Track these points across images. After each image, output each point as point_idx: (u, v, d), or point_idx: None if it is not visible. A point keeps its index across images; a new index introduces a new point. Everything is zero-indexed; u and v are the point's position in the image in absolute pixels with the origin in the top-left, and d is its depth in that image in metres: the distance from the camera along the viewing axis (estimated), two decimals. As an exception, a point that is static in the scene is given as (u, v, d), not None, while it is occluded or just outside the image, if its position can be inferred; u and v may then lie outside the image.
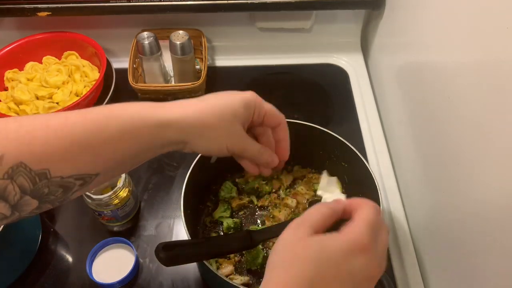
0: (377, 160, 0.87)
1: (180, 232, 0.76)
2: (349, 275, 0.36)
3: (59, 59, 0.97)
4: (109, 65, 0.94)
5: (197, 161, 0.68)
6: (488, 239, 0.52)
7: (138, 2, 0.91)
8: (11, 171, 0.38)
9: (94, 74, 0.94)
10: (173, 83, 0.98)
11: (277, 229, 0.64)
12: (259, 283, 0.69)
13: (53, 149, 0.39)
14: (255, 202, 0.78)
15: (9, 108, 0.88)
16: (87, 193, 0.68)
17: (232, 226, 0.73)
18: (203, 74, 0.92)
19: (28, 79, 0.92)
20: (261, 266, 0.70)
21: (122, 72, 0.93)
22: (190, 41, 0.90)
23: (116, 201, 0.70)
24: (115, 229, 0.76)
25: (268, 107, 0.52)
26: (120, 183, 0.70)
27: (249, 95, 0.49)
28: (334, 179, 0.74)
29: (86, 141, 0.40)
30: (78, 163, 0.41)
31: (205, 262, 0.58)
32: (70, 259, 0.74)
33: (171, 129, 0.44)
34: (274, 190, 0.80)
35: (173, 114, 0.44)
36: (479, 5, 0.54)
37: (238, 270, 0.70)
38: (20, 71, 0.95)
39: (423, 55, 0.73)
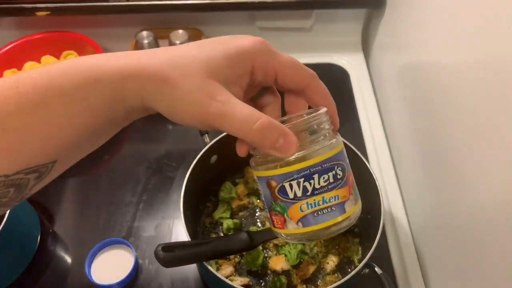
0: (378, 160, 0.86)
1: (180, 233, 0.76)
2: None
3: (58, 58, 0.97)
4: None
5: (197, 161, 0.67)
6: (489, 239, 0.52)
7: (137, 1, 0.91)
8: None
9: (93, 74, 0.93)
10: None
11: (278, 230, 0.64)
12: (259, 284, 0.69)
13: None
14: (255, 203, 0.78)
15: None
16: None
17: (232, 227, 0.73)
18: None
19: (27, 79, 0.92)
20: (261, 267, 0.70)
21: (121, 72, 0.93)
22: (190, 40, 0.89)
23: None
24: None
25: (284, 59, 0.35)
26: None
27: (246, 43, 0.35)
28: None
29: (24, 124, 0.30)
30: (23, 154, 0.30)
31: (205, 263, 0.57)
32: (69, 260, 0.73)
33: (129, 84, 0.31)
34: (274, 191, 0.79)
35: (133, 65, 0.31)
36: (480, 4, 0.53)
37: (238, 271, 0.70)
38: (19, 70, 0.95)
39: (424, 55, 0.72)
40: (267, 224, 0.74)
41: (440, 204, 0.66)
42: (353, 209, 0.35)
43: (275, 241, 0.72)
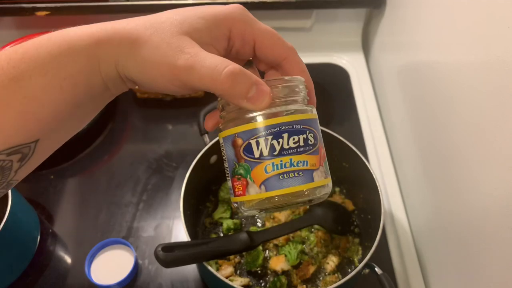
0: (378, 160, 0.86)
1: (180, 233, 0.76)
2: None
3: (58, 58, 0.97)
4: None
5: (197, 161, 0.67)
6: (488, 239, 0.52)
7: (137, 1, 0.91)
8: None
9: (93, 74, 0.93)
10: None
11: (278, 230, 0.64)
12: (259, 284, 0.69)
13: None
14: (255, 203, 0.78)
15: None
16: None
17: (232, 227, 0.73)
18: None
19: (26, 79, 0.92)
20: (261, 267, 0.69)
21: (121, 72, 0.93)
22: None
23: None
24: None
25: (262, 28, 0.34)
26: None
27: (225, 8, 0.33)
28: None
29: (0, 100, 0.28)
30: (1, 133, 0.29)
31: (205, 263, 0.57)
32: (68, 260, 0.73)
33: (102, 49, 0.30)
34: (274, 191, 0.79)
35: (106, 29, 0.31)
36: (480, 4, 0.53)
37: (238, 272, 0.70)
38: (19, 71, 0.95)
39: (424, 55, 0.72)
40: (267, 225, 0.74)
41: (440, 204, 0.66)
42: (322, 181, 0.33)
43: (275, 242, 0.72)
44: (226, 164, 0.35)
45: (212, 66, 0.29)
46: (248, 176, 0.32)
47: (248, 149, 0.32)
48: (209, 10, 0.33)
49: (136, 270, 0.71)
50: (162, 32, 0.31)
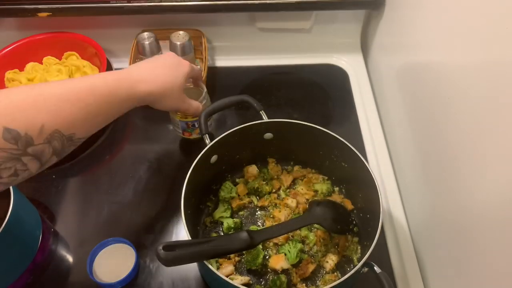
0: (377, 160, 0.87)
1: (181, 232, 0.77)
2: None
3: (60, 59, 0.97)
4: (109, 65, 0.94)
5: (197, 161, 0.68)
6: (487, 239, 0.52)
7: (138, 2, 0.91)
8: (50, 137, 0.49)
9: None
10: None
11: (277, 229, 0.64)
12: (259, 283, 0.70)
13: (76, 117, 0.52)
14: (255, 202, 0.79)
15: (10, 109, 0.88)
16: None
17: (232, 226, 0.74)
18: (204, 74, 0.92)
19: (28, 80, 0.92)
20: (261, 266, 0.70)
21: (122, 73, 0.93)
22: (191, 41, 0.90)
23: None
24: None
25: (195, 72, 0.76)
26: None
27: (186, 70, 0.70)
28: None
29: (97, 111, 0.55)
30: (91, 128, 0.56)
31: (205, 262, 0.58)
32: (70, 259, 0.74)
33: (145, 100, 0.65)
34: (274, 190, 0.80)
35: (147, 89, 0.63)
36: (479, 5, 0.54)
37: (238, 270, 0.71)
38: (21, 71, 0.95)
39: (423, 56, 0.73)
40: (267, 224, 0.75)
41: (438, 203, 0.67)
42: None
43: (275, 240, 0.72)
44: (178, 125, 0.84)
45: (196, 108, 0.76)
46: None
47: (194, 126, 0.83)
48: (183, 74, 0.70)
49: (137, 268, 0.71)
50: (175, 91, 0.69)
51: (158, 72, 0.66)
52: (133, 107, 0.63)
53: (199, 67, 0.80)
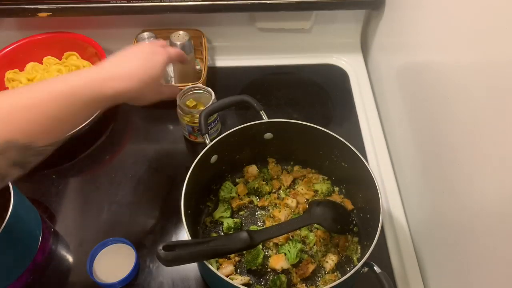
0: (377, 160, 0.87)
1: (181, 232, 0.77)
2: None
3: (60, 59, 0.97)
4: (109, 65, 0.94)
5: (197, 161, 0.68)
6: (487, 239, 0.52)
7: (138, 2, 0.91)
8: (4, 147, 0.46)
9: (94, 75, 0.94)
10: (173, 83, 0.98)
11: (277, 229, 0.64)
12: (259, 283, 0.70)
13: (35, 125, 0.49)
14: (255, 202, 0.79)
15: (10, 109, 0.88)
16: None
17: (232, 226, 0.74)
18: (203, 74, 0.92)
19: (28, 80, 0.92)
20: (261, 266, 0.70)
21: (122, 73, 0.93)
22: (191, 41, 0.90)
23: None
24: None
25: (174, 56, 0.69)
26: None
27: (163, 58, 0.64)
28: None
29: (59, 116, 0.51)
30: (54, 134, 0.51)
31: (205, 262, 0.58)
32: (70, 259, 0.74)
33: (120, 99, 0.58)
34: (274, 190, 0.80)
35: (122, 87, 0.57)
36: (478, 5, 0.54)
37: (238, 270, 0.71)
38: (21, 71, 0.95)
39: (422, 56, 0.73)
40: (267, 224, 0.75)
41: (438, 203, 0.67)
42: None
43: (275, 240, 0.72)
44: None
45: (172, 92, 0.76)
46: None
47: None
48: (161, 65, 0.64)
49: (137, 268, 0.71)
50: (153, 84, 0.63)
51: (133, 65, 0.60)
52: (105, 107, 0.58)
53: (178, 48, 0.80)
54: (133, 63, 0.60)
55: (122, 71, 0.58)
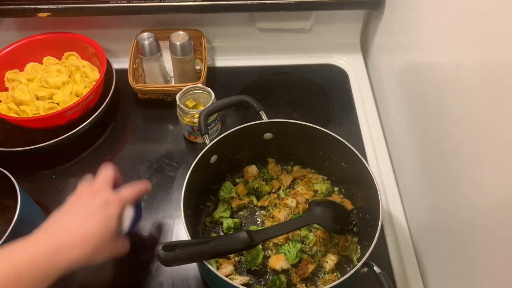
0: (377, 160, 0.87)
1: (180, 232, 0.77)
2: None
3: (60, 59, 0.97)
4: (109, 65, 0.94)
5: (197, 161, 0.68)
6: (487, 239, 0.52)
7: (138, 2, 0.91)
8: None
9: (94, 75, 0.94)
10: (173, 83, 0.98)
11: (277, 229, 0.64)
12: (259, 283, 0.70)
13: None
14: (255, 202, 0.79)
15: (10, 109, 0.88)
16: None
17: (232, 226, 0.74)
18: (203, 74, 0.92)
19: (28, 80, 0.92)
20: (261, 266, 0.70)
21: (122, 73, 0.93)
22: (190, 41, 0.90)
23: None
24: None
25: (128, 196, 0.62)
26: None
27: (116, 209, 0.58)
28: None
29: None
30: None
31: (205, 262, 0.58)
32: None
33: (74, 266, 0.53)
34: (274, 190, 0.80)
35: (75, 255, 0.52)
36: (478, 5, 0.54)
37: (238, 270, 0.71)
38: (21, 71, 0.95)
39: (422, 56, 0.73)
40: (267, 224, 0.75)
41: (438, 204, 0.67)
42: None
43: (275, 240, 0.72)
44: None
45: (123, 248, 0.61)
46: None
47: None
48: (113, 228, 0.57)
49: (140, 211, 0.70)
50: (108, 242, 0.56)
51: (87, 226, 0.54)
52: (58, 277, 0.52)
53: (133, 189, 0.63)
54: (87, 224, 0.54)
55: (74, 237, 0.53)
